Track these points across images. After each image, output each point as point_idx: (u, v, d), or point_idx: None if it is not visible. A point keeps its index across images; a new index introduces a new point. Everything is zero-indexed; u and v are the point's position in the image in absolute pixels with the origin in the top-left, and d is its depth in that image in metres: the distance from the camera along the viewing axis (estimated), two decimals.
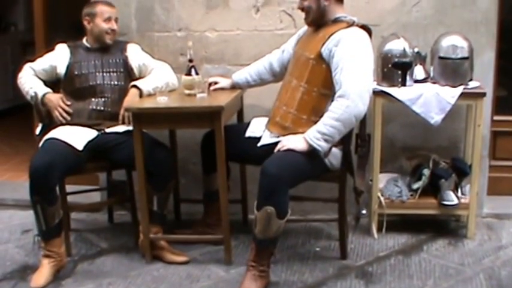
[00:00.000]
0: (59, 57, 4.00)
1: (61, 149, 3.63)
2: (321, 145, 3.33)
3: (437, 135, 4.18)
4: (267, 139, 3.60)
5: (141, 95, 3.86)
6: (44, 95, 3.90)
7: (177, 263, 3.75)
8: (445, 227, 4.21)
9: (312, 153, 3.36)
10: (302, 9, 3.53)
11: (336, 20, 3.48)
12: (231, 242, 3.77)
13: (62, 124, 3.87)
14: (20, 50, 7.54)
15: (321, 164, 3.42)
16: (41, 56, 4.12)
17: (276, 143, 3.46)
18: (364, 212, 3.73)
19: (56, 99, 3.90)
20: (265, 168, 3.25)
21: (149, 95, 3.87)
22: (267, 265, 3.41)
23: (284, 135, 3.48)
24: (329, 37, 3.41)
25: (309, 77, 3.46)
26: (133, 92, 3.87)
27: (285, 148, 3.35)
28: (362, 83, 3.32)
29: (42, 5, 4.77)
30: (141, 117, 3.60)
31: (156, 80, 3.96)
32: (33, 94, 3.90)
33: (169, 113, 3.61)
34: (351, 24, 3.45)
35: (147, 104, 3.71)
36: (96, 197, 4.60)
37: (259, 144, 3.61)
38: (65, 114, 3.86)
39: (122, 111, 3.84)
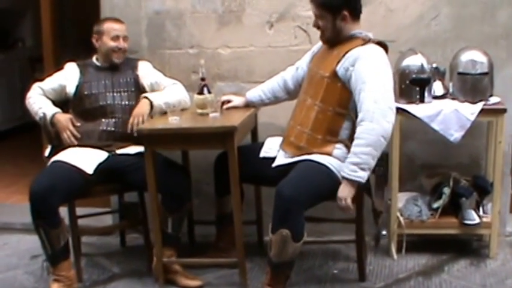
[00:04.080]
0: (68, 77, 4.09)
1: (65, 172, 3.71)
2: (360, 175, 3.35)
3: (457, 152, 4.24)
4: (281, 159, 3.67)
5: (151, 108, 3.95)
6: (53, 116, 3.98)
7: (191, 287, 3.83)
8: (467, 246, 4.26)
9: (327, 173, 3.44)
10: (318, 27, 3.61)
11: (352, 37, 3.54)
12: (246, 265, 3.83)
13: (72, 145, 3.95)
14: (28, 67, 7.68)
15: (337, 184, 3.46)
16: (50, 74, 4.21)
17: (290, 164, 3.54)
18: (384, 232, 3.79)
19: (65, 120, 3.98)
20: (280, 190, 3.32)
21: (160, 110, 3.97)
22: None
23: (299, 155, 3.56)
24: (344, 55, 3.47)
25: (323, 95, 3.53)
26: (144, 102, 3.96)
27: (347, 203, 3.38)
28: (384, 102, 3.36)
29: (51, 21, 4.89)
30: (153, 138, 3.68)
31: (168, 97, 4.05)
32: (42, 115, 3.99)
33: (181, 133, 3.69)
34: (366, 41, 3.51)
35: (159, 124, 3.80)
36: (107, 219, 4.68)
37: (273, 165, 3.68)
38: (72, 139, 3.94)
39: (131, 120, 3.91)
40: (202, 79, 3.90)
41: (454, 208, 4.10)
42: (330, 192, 3.46)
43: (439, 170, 4.23)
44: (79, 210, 4.06)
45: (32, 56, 7.67)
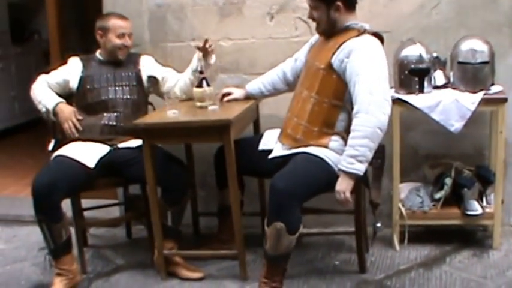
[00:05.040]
0: (71, 71, 4.15)
1: (67, 167, 3.77)
2: (357, 168, 3.35)
3: (461, 142, 4.21)
4: (278, 151, 3.70)
5: None
6: (56, 105, 4.04)
7: (192, 279, 3.88)
8: (471, 237, 4.24)
9: (323, 166, 3.46)
10: (313, 18, 3.63)
11: (347, 28, 3.54)
12: (249, 257, 3.91)
13: (74, 140, 4.01)
14: (44, 59, 7.77)
15: (334, 176, 3.45)
16: (55, 68, 4.27)
17: (287, 156, 3.57)
18: (379, 225, 3.79)
19: (68, 111, 4.03)
20: (274, 183, 3.34)
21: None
22: (280, 281, 3.51)
23: (295, 147, 3.58)
24: (339, 46, 3.48)
25: (319, 87, 3.54)
26: None
27: (345, 196, 3.38)
28: (379, 93, 3.35)
29: (56, 16, 4.99)
30: (151, 131, 3.73)
31: None
32: (44, 109, 4.07)
33: (178, 127, 3.73)
34: (362, 32, 3.51)
35: (156, 118, 3.86)
36: (116, 211, 4.76)
37: (270, 157, 3.71)
38: (73, 130, 3.99)
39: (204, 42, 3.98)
40: (201, 72, 3.94)
41: (456, 199, 4.08)
42: (326, 184, 3.46)
43: (443, 160, 4.21)
44: (87, 202, 4.17)
45: (47, 49, 7.74)
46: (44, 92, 4.12)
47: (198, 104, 3.95)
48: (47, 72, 4.24)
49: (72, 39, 5.53)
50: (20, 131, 7.84)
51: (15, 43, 8.08)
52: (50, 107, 4.04)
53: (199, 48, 4.01)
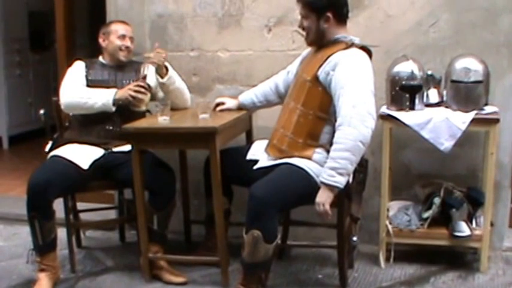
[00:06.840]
0: (80, 73, 4.21)
1: (62, 167, 3.86)
2: (338, 180, 3.38)
3: (454, 162, 4.20)
4: (264, 162, 3.72)
5: (166, 70, 4.10)
6: (114, 95, 4.05)
7: (175, 283, 3.93)
8: (460, 258, 4.20)
9: (305, 177, 3.48)
10: (303, 28, 3.65)
11: (336, 41, 3.57)
12: (234, 265, 3.90)
13: (71, 142, 4.10)
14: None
15: (315, 188, 3.45)
16: (64, 73, 4.31)
17: (271, 166, 3.59)
18: (355, 239, 3.78)
19: (123, 91, 4.06)
20: (252, 191, 3.37)
21: (172, 82, 4.13)
22: None
23: (280, 158, 3.60)
24: (326, 59, 3.51)
25: (305, 99, 3.56)
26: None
27: (324, 208, 3.40)
28: (362, 107, 3.37)
29: (64, 24, 5.15)
30: (139, 136, 3.79)
31: (179, 79, 4.20)
32: (99, 104, 4.03)
33: (165, 133, 3.80)
34: (349, 45, 3.53)
35: (145, 124, 3.93)
36: (113, 215, 4.82)
37: (255, 167, 3.73)
38: (143, 90, 4.05)
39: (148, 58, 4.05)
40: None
41: (445, 219, 4.05)
42: (306, 195, 3.47)
43: (434, 180, 4.17)
44: (85, 205, 4.29)
45: None
46: (88, 91, 4.10)
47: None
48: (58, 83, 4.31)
49: (83, 46, 5.60)
50: (35, 136, 7.95)
51: (34, 51, 8.24)
52: (110, 100, 4.03)
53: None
